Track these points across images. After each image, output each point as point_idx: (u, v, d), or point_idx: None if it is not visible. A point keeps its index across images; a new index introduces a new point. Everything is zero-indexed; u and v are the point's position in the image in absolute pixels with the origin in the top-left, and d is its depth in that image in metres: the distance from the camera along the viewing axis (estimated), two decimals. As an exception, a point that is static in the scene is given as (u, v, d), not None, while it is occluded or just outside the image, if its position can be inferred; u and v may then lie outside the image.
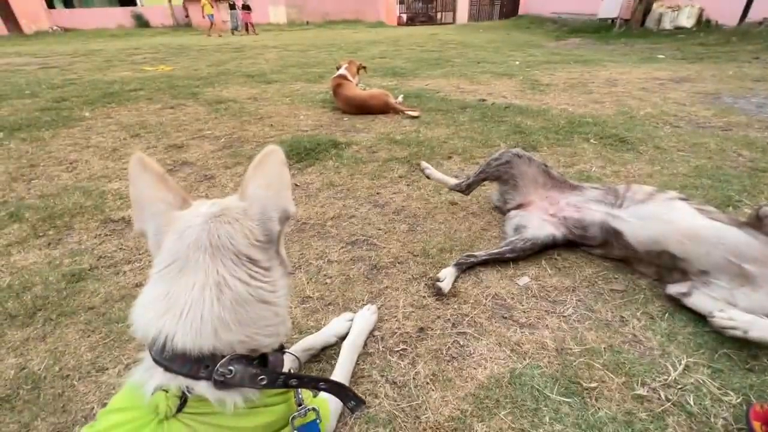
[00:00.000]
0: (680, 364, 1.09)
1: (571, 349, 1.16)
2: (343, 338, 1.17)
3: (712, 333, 1.18)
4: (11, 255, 1.68)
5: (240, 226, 0.62)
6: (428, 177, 2.00)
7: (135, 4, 24.06)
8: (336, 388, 0.72)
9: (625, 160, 2.44)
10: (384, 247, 1.67)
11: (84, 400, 1.05)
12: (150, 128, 3.38)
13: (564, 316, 1.28)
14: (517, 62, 6.47)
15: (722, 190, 1.99)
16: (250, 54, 8.80)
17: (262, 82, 5.39)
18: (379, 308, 1.33)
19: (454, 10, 23.32)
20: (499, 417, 0.97)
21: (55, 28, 20.23)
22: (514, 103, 3.81)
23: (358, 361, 1.13)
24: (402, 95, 4.05)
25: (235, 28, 17.27)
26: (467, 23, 21.17)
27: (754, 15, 8.31)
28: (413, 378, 1.09)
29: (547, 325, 1.25)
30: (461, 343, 1.20)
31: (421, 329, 1.26)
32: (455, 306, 1.35)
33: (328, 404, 0.87)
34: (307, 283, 1.48)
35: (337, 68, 4.00)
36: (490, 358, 1.15)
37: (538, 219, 1.63)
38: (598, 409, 0.98)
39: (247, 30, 17.03)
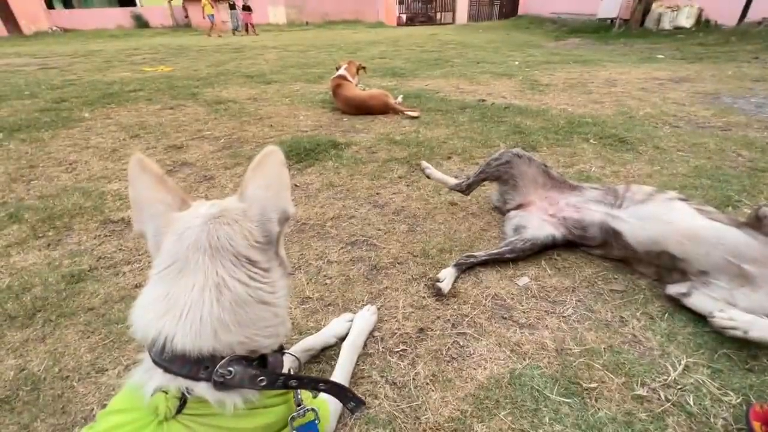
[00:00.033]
0: (680, 365, 1.09)
1: (570, 349, 1.16)
2: (342, 339, 1.17)
3: (711, 333, 1.18)
4: (11, 256, 1.68)
5: (239, 227, 0.62)
6: (428, 177, 2.00)
7: (134, 5, 24.09)
8: (336, 389, 0.72)
9: (625, 160, 2.44)
10: (384, 248, 1.67)
11: (84, 402, 1.05)
12: (149, 129, 3.38)
13: (564, 317, 1.28)
14: (517, 62, 6.48)
15: (722, 190, 1.99)
16: (249, 54, 8.80)
17: (261, 82, 5.39)
18: (378, 309, 1.33)
19: (453, 11, 23.34)
20: (499, 417, 0.97)
21: (54, 28, 20.24)
22: (514, 104, 3.82)
23: (357, 361, 1.13)
24: (401, 95, 4.06)
25: (235, 29, 17.28)
26: (467, 23, 21.19)
27: (753, 15, 8.32)
28: (413, 378, 1.09)
29: (546, 326, 1.25)
30: (461, 344, 1.20)
31: (421, 330, 1.26)
32: (455, 306, 1.35)
33: (328, 405, 0.87)
34: (307, 283, 1.48)
35: (337, 69, 4.01)
36: (490, 358, 1.15)
37: (537, 219, 1.63)
38: (598, 409, 0.98)
39: (247, 30, 17.05)
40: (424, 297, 1.39)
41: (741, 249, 1.20)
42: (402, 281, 1.48)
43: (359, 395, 0.74)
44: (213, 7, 16.76)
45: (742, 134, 2.81)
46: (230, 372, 0.57)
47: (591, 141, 2.76)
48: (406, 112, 3.55)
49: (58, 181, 2.41)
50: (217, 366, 0.57)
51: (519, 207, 1.75)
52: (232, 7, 17.43)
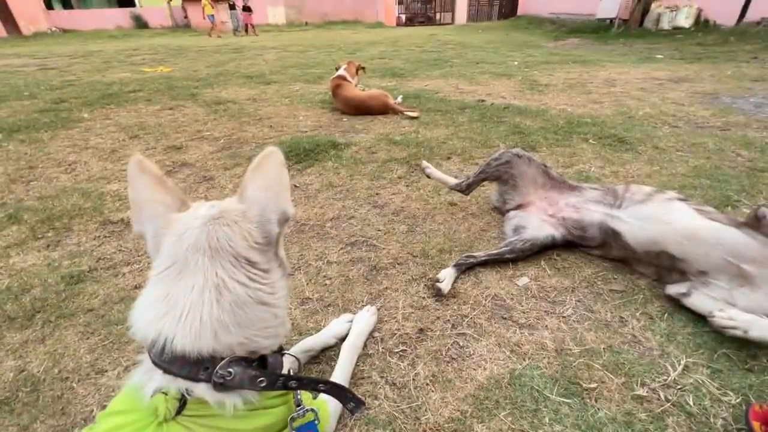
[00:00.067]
0: (679, 365, 1.09)
1: (570, 349, 1.16)
2: (342, 339, 1.17)
3: (711, 333, 1.18)
4: (10, 257, 1.68)
5: (239, 228, 0.62)
6: (429, 176, 2.00)
7: (134, 5, 24.07)
8: (335, 390, 0.72)
9: (624, 160, 2.44)
10: (383, 248, 1.67)
11: (83, 403, 1.05)
12: (149, 129, 3.38)
13: (563, 317, 1.28)
14: (516, 63, 6.48)
15: (721, 190, 1.99)
16: (249, 55, 8.80)
17: (261, 83, 5.39)
18: (378, 309, 1.33)
19: (452, 11, 23.33)
20: (499, 418, 0.97)
21: (53, 29, 20.22)
22: (513, 104, 3.82)
23: (357, 362, 1.13)
24: (401, 96, 4.06)
25: (236, 29, 17.25)
26: (466, 24, 21.20)
27: (752, 15, 8.33)
28: (413, 379, 1.09)
29: (546, 326, 1.25)
30: (461, 344, 1.20)
31: (421, 330, 1.26)
32: (455, 307, 1.35)
33: (328, 406, 0.87)
34: (307, 284, 1.48)
35: (336, 69, 4.01)
36: (490, 358, 1.15)
37: (537, 219, 1.63)
38: (598, 409, 0.98)
39: (246, 31, 17.04)
40: (423, 297, 1.39)
41: (740, 249, 1.20)
42: (402, 282, 1.48)
43: (359, 396, 0.74)
44: (213, 8, 16.76)
45: (741, 134, 2.81)
46: (230, 373, 0.57)
47: (590, 141, 2.76)
48: (405, 113, 3.55)
49: (57, 181, 2.41)
50: (217, 367, 0.57)
51: (518, 207, 1.75)
52: (232, 7, 17.41)
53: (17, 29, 19.15)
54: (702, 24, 9.16)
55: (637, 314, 1.28)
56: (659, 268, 1.38)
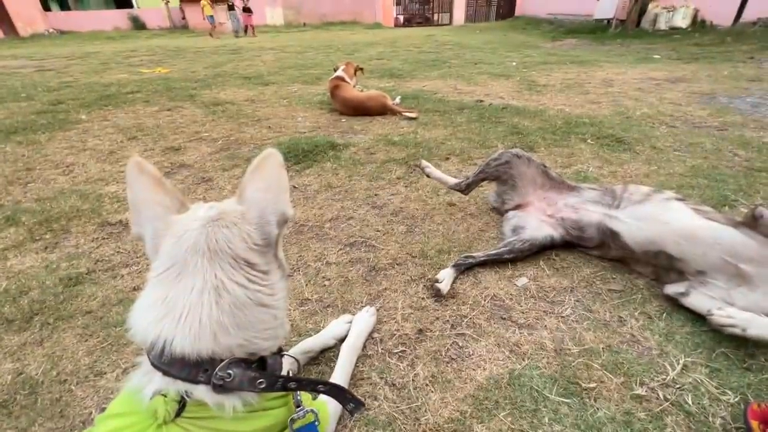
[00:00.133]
0: (678, 364, 1.09)
1: (569, 349, 1.16)
2: (342, 340, 1.17)
3: (709, 332, 1.18)
4: (8, 259, 1.67)
5: (238, 230, 0.62)
6: (428, 176, 2.00)
7: (131, 6, 24.01)
8: (335, 391, 0.71)
9: (622, 160, 2.45)
10: (382, 249, 1.67)
11: (82, 405, 1.05)
12: (147, 131, 3.37)
13: (562, 317, 1.29)
14: (514, 63, 6.50)
15: (718, 189, 2.00)
16: (247, 56, 8.79)
17: (259, 83, 5.38)
18: (377, 310, 1.33)
19: (450, 12, 23.35)
20: (499, 418, 0.98)
21: (51, 30, 20.16)
22: (511, 104, 3.83)
23: (357, 363, 1.13)
24: (399, 96, 4.06)
25: (236, 31, 17.14)
26: (464, 24, 21.22)
27: (748, 15, 8.37)
28: (412, 380, 1.09)
29: (545, 326, 1.25)
30: (460, 345, 1.20)
31: (420, 331, 1.26)
32: (454, 307, 1.35)
33: (327, 407, 0.87)
34: (306, 285, 1.47)
35: (335, 70, 4.01)
36: (489, 359, 1.15)
37: (536, 220, 1.64)
38: (597, 409, 0.98)
39: (246, 32, 17.01)
40: (423, 298, 1.39)
41: (738, 249, 1.21)
42: (401, 282, 1.48)
43: (358, 397, 0.74)
44: (212, 9, 16.73)
45: (739, 134, 2.82)
46: (229, 375, 0.57)
47: (588, 141, 2.77)
48: (404, 113, 3.56)
49: (55, 183, 2.40)
50: (216, 369, 0.57)
51: (517, 207, 1.75)
52: (231, 8, 17.37)
53: (14, 30, 19.08)
54: (699, 24, 9.20)
55: (636, 314, 1.28)
56: (657, 267, 1.38)
